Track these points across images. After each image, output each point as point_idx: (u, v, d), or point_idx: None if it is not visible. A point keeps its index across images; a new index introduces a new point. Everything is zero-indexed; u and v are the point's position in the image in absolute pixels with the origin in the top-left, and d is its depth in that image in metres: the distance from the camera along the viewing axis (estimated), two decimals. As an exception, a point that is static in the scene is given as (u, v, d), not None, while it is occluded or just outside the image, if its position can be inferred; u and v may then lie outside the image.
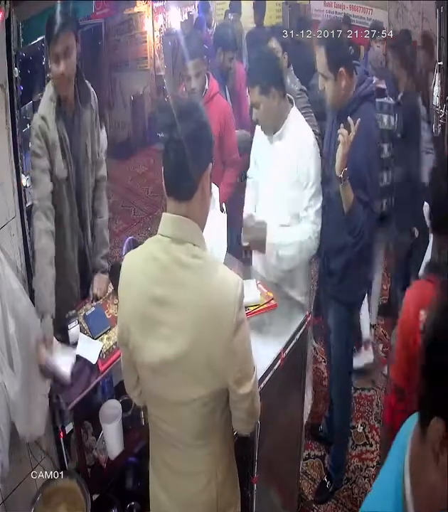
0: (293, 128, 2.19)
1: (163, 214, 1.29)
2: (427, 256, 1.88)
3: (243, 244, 2.23)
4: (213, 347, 1.23)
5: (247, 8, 5.22)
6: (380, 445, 2.24)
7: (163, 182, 1.27)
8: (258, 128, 2.35)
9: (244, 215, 2.34)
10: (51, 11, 1.91)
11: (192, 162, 1.21)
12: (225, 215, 2.18)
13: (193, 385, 1.27)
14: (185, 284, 1.23)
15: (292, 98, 2.26)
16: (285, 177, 2.19)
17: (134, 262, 1.34)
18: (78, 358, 1.92)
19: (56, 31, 1.90)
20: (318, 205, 2.17)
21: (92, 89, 2.15)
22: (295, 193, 2.18)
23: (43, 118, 1.98)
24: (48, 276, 1.92)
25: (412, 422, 0.90)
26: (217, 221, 2.20)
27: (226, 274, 1.27)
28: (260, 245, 2.18)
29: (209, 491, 1.43)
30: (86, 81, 2.11)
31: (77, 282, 2.20)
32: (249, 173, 2.55)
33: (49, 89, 2.02)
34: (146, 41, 6.65)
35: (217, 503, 1.45)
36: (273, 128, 2.20)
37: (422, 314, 1.63)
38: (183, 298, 1.24)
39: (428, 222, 1.73)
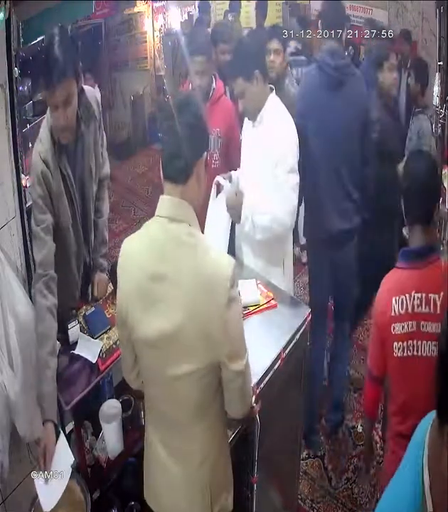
0: (271, 111, 2.24)
1: (161, 196, 1.36)
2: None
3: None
4: (208, 319, 1.29)
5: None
6: (364, 438, 2.30)
7: (161, 166, 1.35)
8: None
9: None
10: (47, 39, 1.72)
11: (188, 144, 1.29)
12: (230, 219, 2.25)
13: (189, 358, 1.33)
14: (182, 261, 1.30)
15: (273, 87, 2.31)
16: (264, 160, 2.22)
17: (132, 244, 1.41)
18: (78, 357, 1.92)
19: (54, 80, 1.71)
20: (294, 182, 2.18)
21: (93, 102, 2.00)
22: (273, 175, 2.20)
23: (45, 162, 1.85)
24: (49, 372, 1.73)
25: (428, 421, 0.93)
26: (222, 223, 2.22)
27: (219, 254, 1.37)
28: (237, 211, 2.20)
29: (202, 471, 1.47)
30: (86, 95, 1.96)
31: (77, 286, 2.18)
32: None
33: (48, 123, 1.88)
34: (146, 41, 6.65)
35: (210, 483, 1.49)
36: (257, 113, 2.25)
37: (394, 302, 1.68)
38: (179, 274, 1.30)
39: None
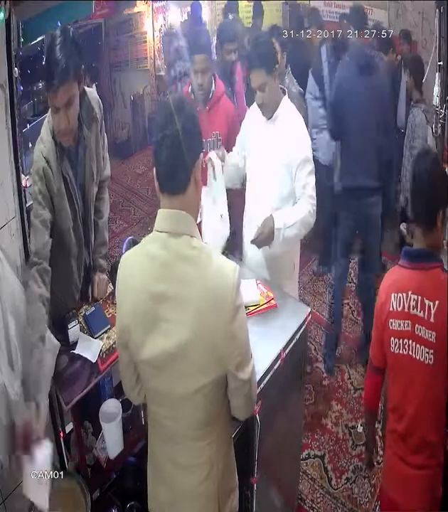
0: (286, 112, 2.30)
1: (159, 210, 1.32)
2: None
3: (251, 242, 2.24)
4: (214, 333, 1.26)
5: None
6: (364, 430, 2.29)
7: (157, 180, 1.30)
8: (249, 114, 2.45)
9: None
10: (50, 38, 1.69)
11: (185, 153, 1.24)
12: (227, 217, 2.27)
13: (196, 375, 1.30)
14: (186, 277, 1.26)
15: (285, 89, 2.38)
16: (278, 159, 2.27)
17: (132, 263, 1.36)
18: (78, 357, 1.92)
19: (56, 82, 1.70)
20: (314, 182, 2.29)
21: (94, 104, 2.00)
22: (286, 175, 2.28)
23: (47, 160, 1.84)
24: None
25: None
26: (219, 223, 2.23)
27: (223, 261, 1.32)
28: (268, 238, 2.19)
29: (210, 481, 1.46)
30: (89, 97, 1.95)
31: (78, 288, 2.18)
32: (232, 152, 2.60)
33: (50, 123, 1.86)
34: (146, 41, 6.64)
35: (218, 491, 1.48)
36: (274, 110, 2.29)
37: (393, 298, 1.70)
38: (184, 290, 1.26)
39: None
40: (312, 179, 2.28)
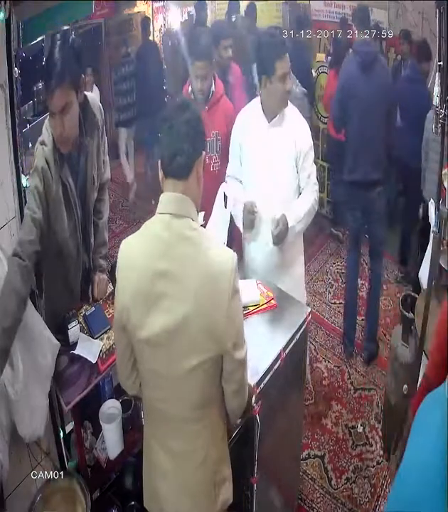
0: (288, 111, 2.37)
1: (162, 194, 1.38)
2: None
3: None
4: (212, 313, 1.32)
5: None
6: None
7: (161, 168, 1.38)
8: (241, 120, 2.46)
9: (245, 201, 2.38)
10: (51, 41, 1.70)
11: (189, 143, 1.34)
12: (228, 211, 2.28)
13: (192, 353, 1.34)
14: (187, 256, 1.32)
15: None
16: (285, 155, 2.34)
17: (133, 245, 1.41)
18: (78, 357, 1.92)
19: (52, 86, 1.73)
20: (315, 169, 2.44)
21: (96, 111, 2.00)
22: (293, 170, 2.37)
23: (47, 162, 1.85)
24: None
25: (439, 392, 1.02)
26: (221, 218, 2.24)
27: (221, 248, 1.41)
28: (284, 234, 2.29)
29: (205, 467, 1.48)
30: (90, 104, 1.96)
31: (77, 292, 2.17)
32: (230, 171, 2.59)
33: (51, 126, 1.86)
34: (145, 41, 6.63)
35: (214, 479, 1.51)
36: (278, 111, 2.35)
37: None
38: (183, 269, 1.32)
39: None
40: (315, 167, 2.42)
